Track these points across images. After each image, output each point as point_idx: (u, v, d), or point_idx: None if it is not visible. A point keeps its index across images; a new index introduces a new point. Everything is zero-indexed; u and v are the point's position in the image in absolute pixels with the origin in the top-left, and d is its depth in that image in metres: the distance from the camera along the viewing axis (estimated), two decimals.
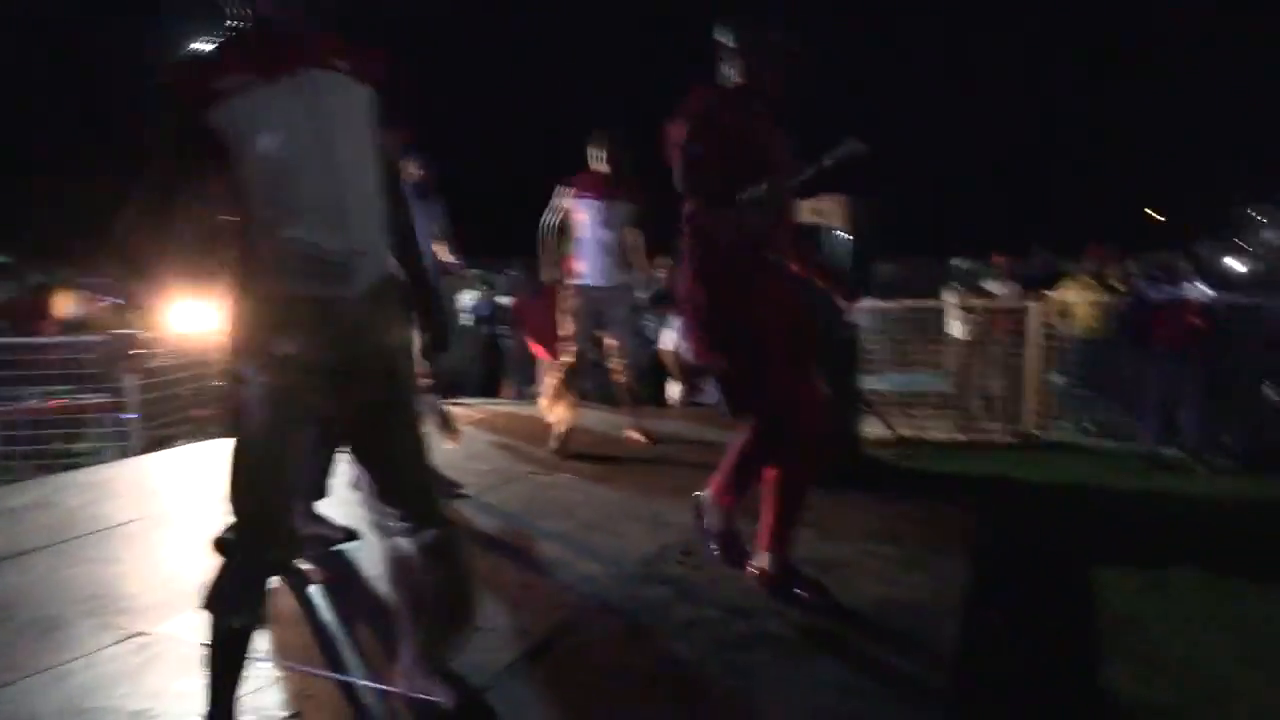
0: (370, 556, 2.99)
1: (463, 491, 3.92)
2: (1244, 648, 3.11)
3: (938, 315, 7.89)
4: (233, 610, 1.85)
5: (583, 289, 4.56)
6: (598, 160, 4.58)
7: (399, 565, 1.99)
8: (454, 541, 2.03)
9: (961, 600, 2.79)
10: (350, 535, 3.11)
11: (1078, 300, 7.30)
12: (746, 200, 2.43)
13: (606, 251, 4.53)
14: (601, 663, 2.28)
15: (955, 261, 8.19)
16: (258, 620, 1.90)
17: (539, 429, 5.17)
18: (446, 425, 3.93)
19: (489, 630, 2.45)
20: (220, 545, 1.90)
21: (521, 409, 6.44)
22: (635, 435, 4.89)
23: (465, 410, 5.97)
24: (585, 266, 4.55)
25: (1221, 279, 7.06)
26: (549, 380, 4.65)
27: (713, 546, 2.73)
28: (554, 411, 4.58)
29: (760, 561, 2.65)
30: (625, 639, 2.42)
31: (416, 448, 1.99)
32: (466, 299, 9.69)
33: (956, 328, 7.79)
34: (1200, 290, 6.12)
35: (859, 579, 2.87)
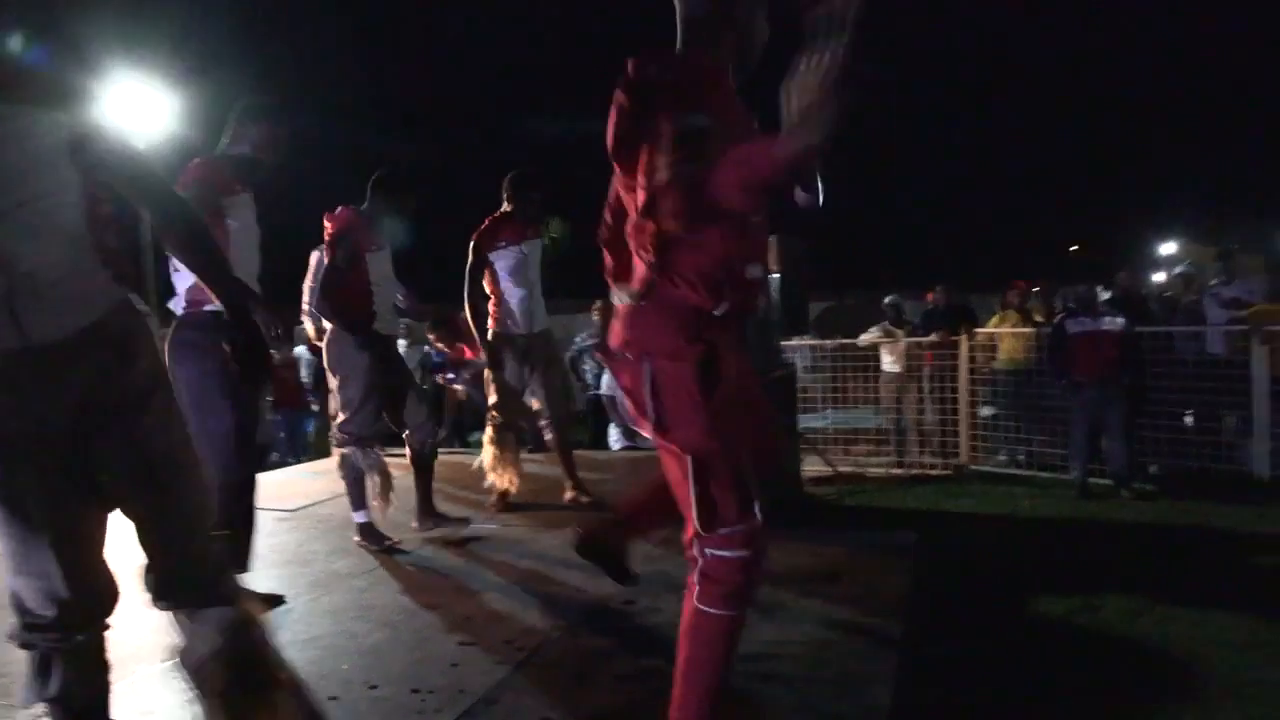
0: (293, 622, 2.92)
1: (400, 546, 3.85)
2: (1174, 674, 3.20)
3: (874, 351, 8.06)
4: (50, 697, 1.74)
5: (506, 338, 4.45)
6: (508, 202, 4.50)
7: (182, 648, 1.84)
8: (227, 628, 1.80)
9: (901, 636, 2.81)
10: (276, 601, 3.01)
11: (1004, 333, 7.54)
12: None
13: (529, 296, 4.46)
14: (542, 719, 2.24)
15: (889, 299, 8.39)
16: (86, 697, 1.78)
17: (479, 478, 5.11)
18: (383, 485, 3.86)
19: (427, 692, 2.39)
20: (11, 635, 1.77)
21: (459, 459, 6.35)
22: (574, 496, 4.69)
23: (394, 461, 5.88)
24: (507, 314, 4.46)
25: (1138, 310, 7.34)
26: (486, 439, 4.53)
27: None
28: (493, 470, 4.49)
29: None
30: (567, 693, 2.38)
31: (162, 523, 1.75)
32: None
33: (888, 362, 7.97)
34: (1116, 321, 6.36)
35: (800, 620, 2.88)
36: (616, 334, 1.92)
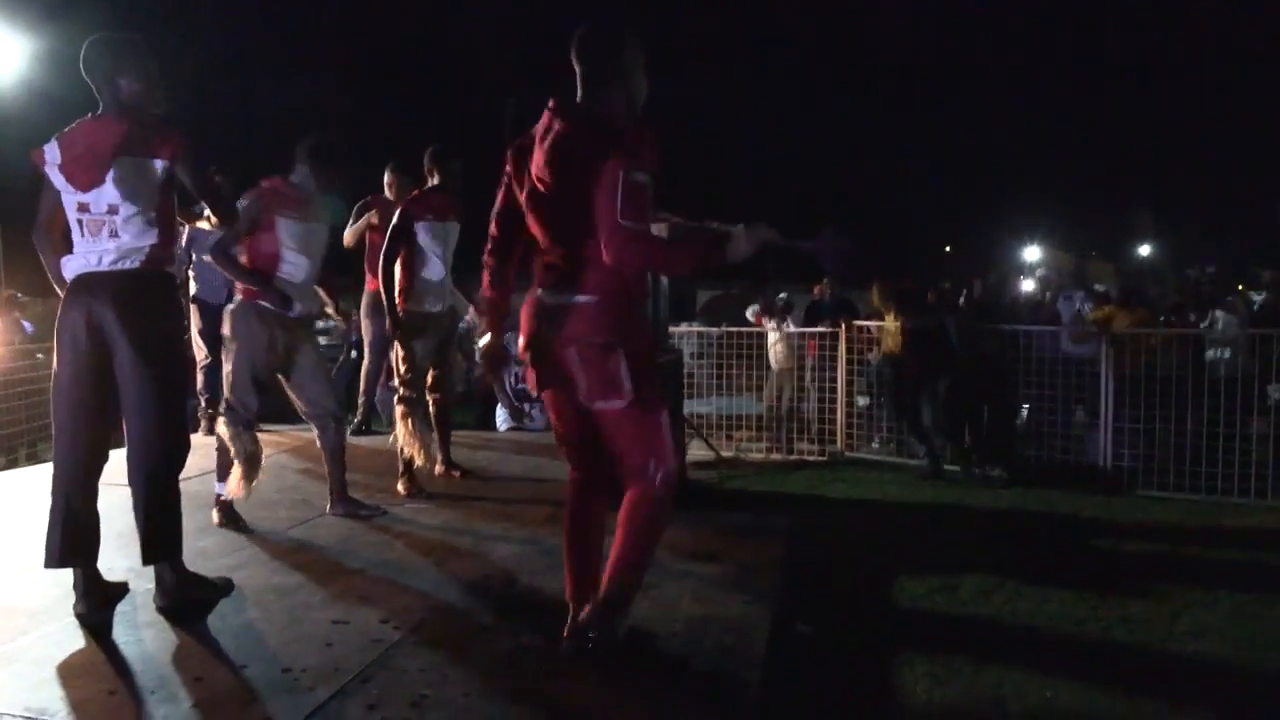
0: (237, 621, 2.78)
1: (250, 527, 3.70)
2: (1021, 646, 3.44)
3: (759, 340, 8.27)
4: None
5: (420, 315, 4.36)
6: (432, 179, 4.44)
7: None
8: None
9: (773, 614, 2.92)
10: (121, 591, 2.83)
11: (884, 327, 7.85)
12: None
13: (445, 275, 4.41)
14: (418, 697, 2.22)
15: (781, 295, 8.65)
16: None
17: (359, 457, 4.98)
18: (246, 470, 3.66)
19: (299, 671, 2.33)
20: None
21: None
22: (444, 470, 4.69)
23: (278, 437, 5.68)
24: (424, 289, 4.36)
25: (1002, 309, 7.80)
26: (400, 418, 4.38)
27: None
28: (412, 446, 4.34)
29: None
30: (444, 671, 2.37)
31: None
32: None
33: (776, 352, 8.21)
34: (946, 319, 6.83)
35: (678, 598, 2.94)
36: (577, 328, 2.28)
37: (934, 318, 6.93)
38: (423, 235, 4.32)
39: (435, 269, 4.36)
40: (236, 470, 3.64)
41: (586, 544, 2.50)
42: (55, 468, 2.69)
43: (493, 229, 2.50)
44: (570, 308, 2.29)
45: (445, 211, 4.40)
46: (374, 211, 5.69)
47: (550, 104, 2.33)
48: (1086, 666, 3.20)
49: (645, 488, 2.33)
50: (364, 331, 5.98)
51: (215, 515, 3.72)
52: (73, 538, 2.64)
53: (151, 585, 2.74)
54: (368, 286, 5.82)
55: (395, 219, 4.33)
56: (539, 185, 2.32)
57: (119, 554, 3.02)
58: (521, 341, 2.42)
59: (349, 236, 5.83)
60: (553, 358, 2.34)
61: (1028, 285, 9.42)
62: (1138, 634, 3.54)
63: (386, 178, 5.82)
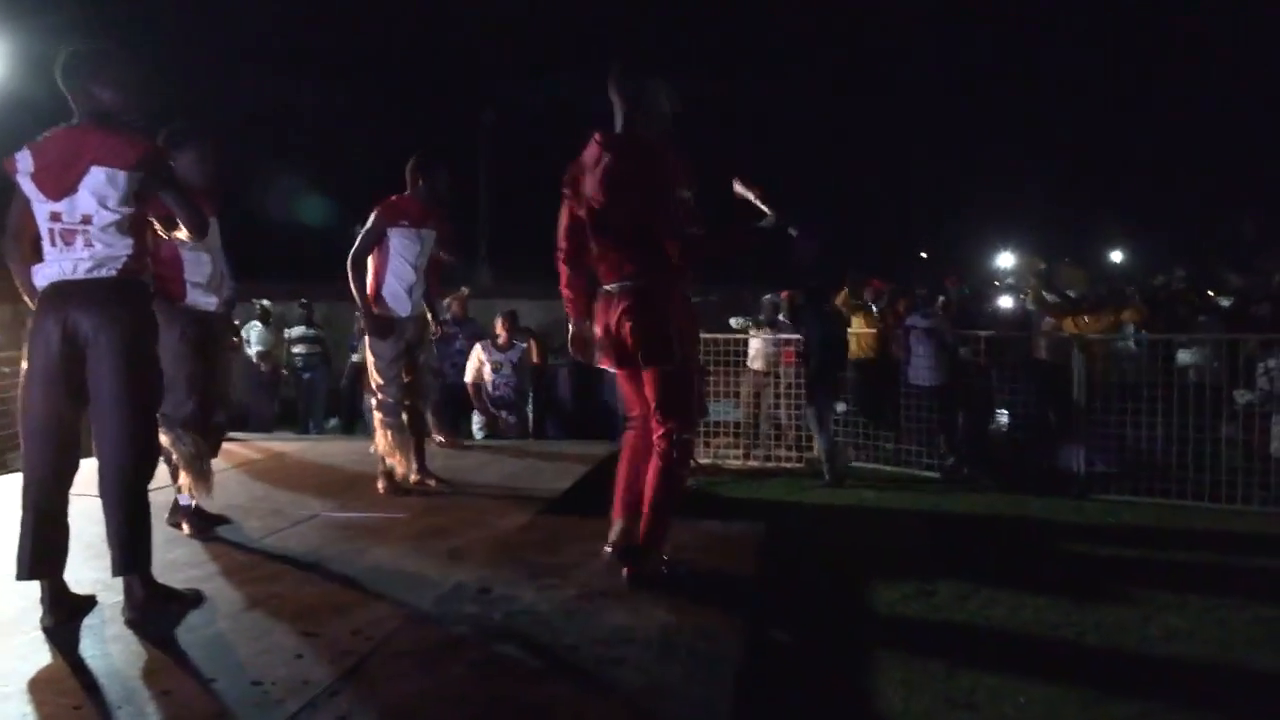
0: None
1: (219, 534, 3.65)
2: (995, 650, 3.46)
3: (737, 346, 8.29)
4: None
5: (393, 320, 4.35)
6: (414, 185, 4.43)
7: None
8: None
9: (749, 621, 2.91)
10: (88, 604, 2.78)
11: (859, 332, 7.90)
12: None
13: (416, 282, 4.39)
14: (391, 708, 2.20)
15: (768, 296, 8.70)
16: None
17: (329, 467, 4.95)
18: (194, 475, 3.57)
19: (269, 684, 2.30)
20: None
21: (313, 446, 6.13)
22: (426, 482, 4.61)
23: (246, 449, 5.62)
24: (392, 294, 4.36)
25: (975, 316, 7.85)
26: (378, 424, 4.37)
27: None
28: (391, 453, 4.34)
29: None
30: (417, 682, 2.34)
31: None
32: (253, 334, 9.22)
33: (755, 359, 8.23)
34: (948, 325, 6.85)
35: (651, 605, 2.93)
36: (639, 307, 2.88)
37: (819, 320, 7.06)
38: (396, 240, 4.32)
39: (406, 274, 4.35)
40: (184, 477, 3.57)
41: (637, 475, 3.08)
42: (25, 478, 2.65)
43: (561, 242, 3.08)
44: (632, 292, 2.89)
45: (422, 218, 4.39)
46: None
47: (596, 137, 2.93)
48: (1060, 671, 3.22)
49: (666, 449, 2.95)
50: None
51: (184, 526, 3.66)
52: (43, 549, 2.60)
53: (119, 598, 2.70)
54: None
55: (369, 222, 4.32)
56: (594, 204, 2.89)
57: (86, 566, 2.97)
58: (598, 329, 3.02)
59: None
60: (623, 335, 2.91)
61: (1005, 301, 9.39)
62: (1110, 638, 3.58)
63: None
